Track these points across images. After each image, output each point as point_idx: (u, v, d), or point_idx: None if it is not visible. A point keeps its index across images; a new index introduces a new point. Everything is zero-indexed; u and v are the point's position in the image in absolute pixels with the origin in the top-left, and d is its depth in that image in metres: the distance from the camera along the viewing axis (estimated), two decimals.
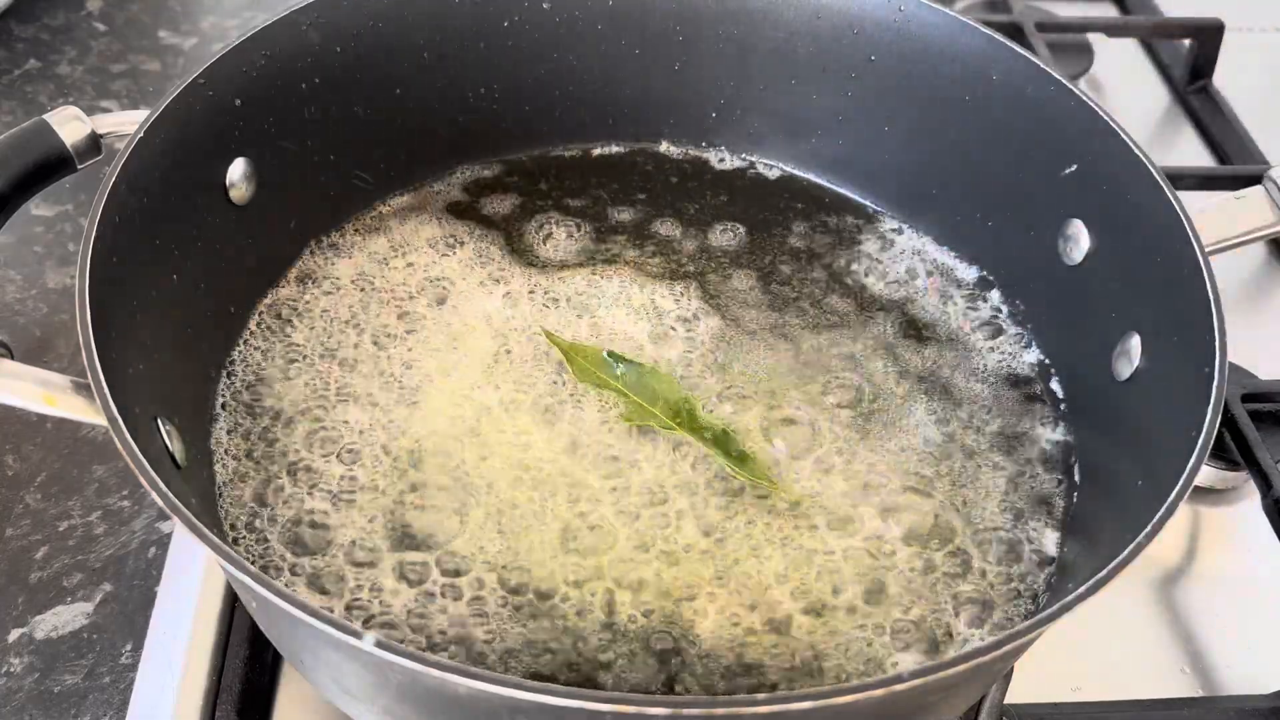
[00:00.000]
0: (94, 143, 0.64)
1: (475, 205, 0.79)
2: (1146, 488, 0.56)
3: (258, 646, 0.63)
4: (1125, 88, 1.09)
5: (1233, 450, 0.74)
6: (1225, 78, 1.07)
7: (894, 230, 0.79)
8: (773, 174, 0.83)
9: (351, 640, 0.44)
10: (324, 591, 0.59)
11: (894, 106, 0.78)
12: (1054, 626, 0.47)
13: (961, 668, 0.45)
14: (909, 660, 0.59)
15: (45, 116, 0.63)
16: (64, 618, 0.67)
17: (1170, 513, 0.50)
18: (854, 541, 0.63)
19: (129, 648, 0.66)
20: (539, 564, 0.61)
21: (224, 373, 0.67)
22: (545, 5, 0.78)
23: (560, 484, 0.64)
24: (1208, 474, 0.75)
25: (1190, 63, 1.07)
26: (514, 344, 0.71)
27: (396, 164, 0.78)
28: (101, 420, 0.50)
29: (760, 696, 0.43)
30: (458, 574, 0.60)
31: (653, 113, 0.83)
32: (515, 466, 0.65)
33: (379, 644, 0.43)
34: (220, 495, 0.62)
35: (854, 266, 0.77)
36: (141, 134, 0.61)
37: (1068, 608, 0.47)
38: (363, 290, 0.73)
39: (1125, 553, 0.49)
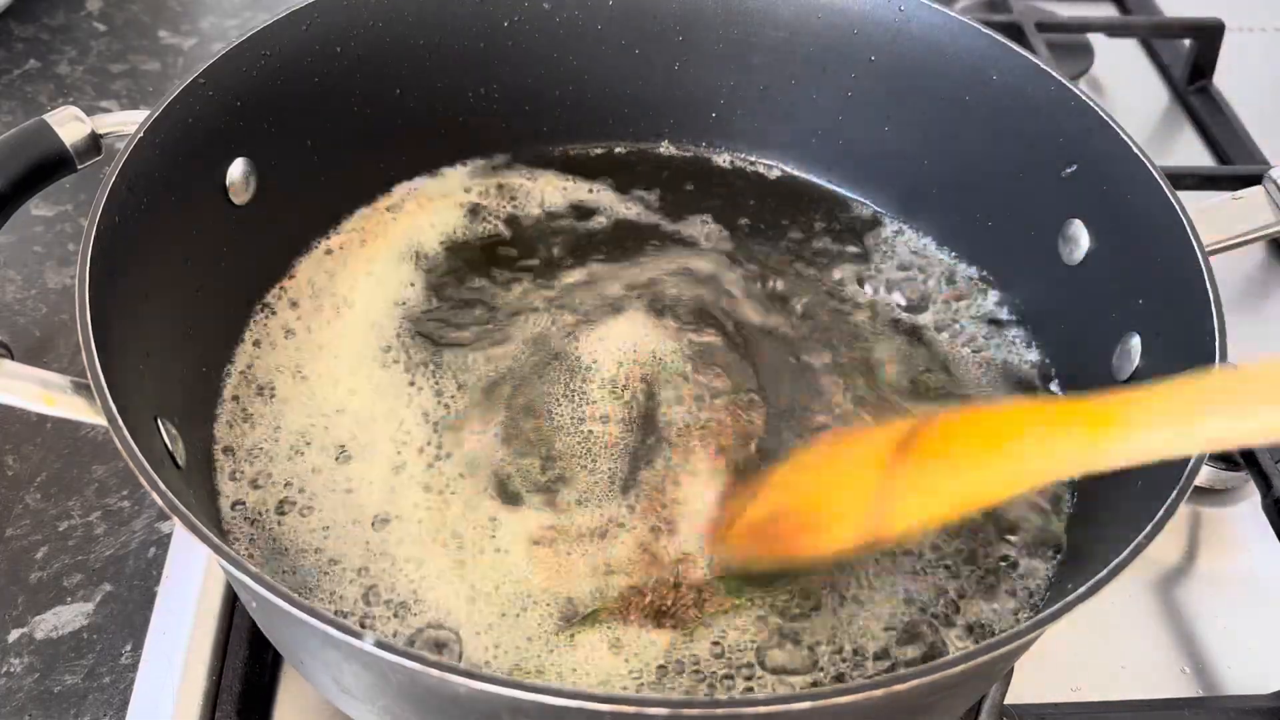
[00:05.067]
0: (94, 143, 0.64)
1: (475, 205, 0.79)
2: (1146, 488, 0.56)
3: (258, 646, 0.63)
4: (1125, 88, 1.09)
5: (1233, 450, 0.73)
6: (1225, 78, 1.07)
7: (894, 231, 0.79)
8: (773, 174, 0.83)
9: (351, 640, 0.44)
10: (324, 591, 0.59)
11: (894, 106, 0.78)
12: (1054, 626, 0.47)
13: (961, 668, 0.45)
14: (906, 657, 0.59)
15: (45, 116, 0.63)
16: (64, 618, 0.67)
17: (1170, 513, 0.50)
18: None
19: (129, 648, 0.66)
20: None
21: (224, 373, 0.67)
22: (545, 5, 0.78)
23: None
24: (1208, 474, 0.75)
25: (1190, 63, 1.07)
26: (515, 344, 0.71)
27: (396, 164, 0.78)
28: (101, 420, 0.50)
29: (760, 697, 0.43)
30: (464, 570, 0.60)
31: (653, 113, 0.83)
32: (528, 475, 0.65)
33: (379, 644, 0.43)
34: (220, 495, 0.62)
35: (854, 267, 0.77)
36: (141, 134, 0.60)
37: (1068, 608, 0.47)
38: (363, 290, 0.73)
39: (1125, 553, 0.49)
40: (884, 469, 0.52)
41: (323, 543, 0.61)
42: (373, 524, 0.62)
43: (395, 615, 0.58)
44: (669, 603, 0.58)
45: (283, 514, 0.62)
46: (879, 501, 0.51)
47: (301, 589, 0.59)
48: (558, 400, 0.68)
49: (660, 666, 0.57)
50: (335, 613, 0.58)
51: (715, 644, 0.58)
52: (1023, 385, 0.71)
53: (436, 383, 0.68)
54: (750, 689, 0.56)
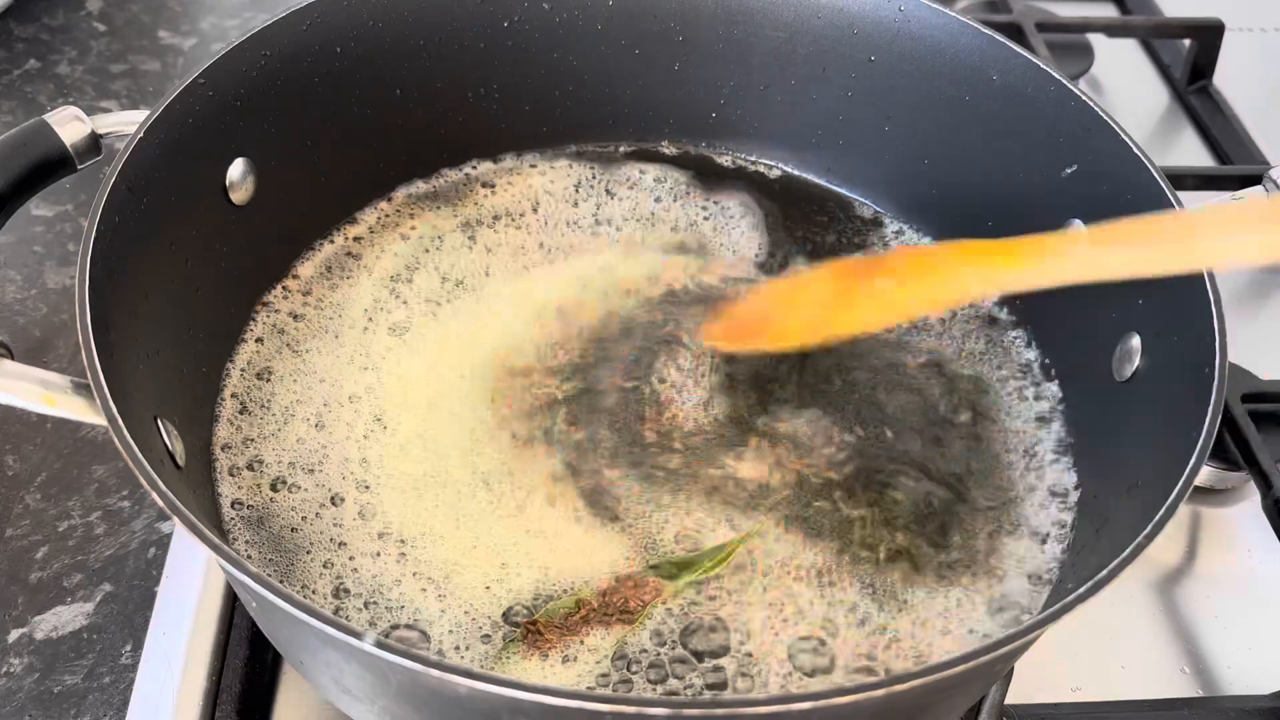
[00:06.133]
0: (94, 143, 0.64)
1: (476, 205, 0.79)
2: (1146, 488, 0.56)
3: (258, 646, 0.63)
4: (1125, 88, 1.09)
5: (1233, 450, 0.74)
6: (1225, 78, 1.07)
7: (895, 231, 0.79)
8: (773, 174, 0.83)
9: (351, 640, 0.44)
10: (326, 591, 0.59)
11: (894, 107, 0.78)
12: (1054, 627, 0.47)
13: (961, 668, 0.45)
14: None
15: (45, 116, 0.63)
16: (64, 618, 0.67)
17: (1170, 513, 0.50)
18: (839, 549, 0.63)
19: (129, 648, 0.66)
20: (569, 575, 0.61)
21: (224, 372, 0.67)
22: (545, 5, 0.78)
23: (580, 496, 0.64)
24: (1208, 474, 0.75)
25: (1190, 63, 1.07)
26: (514, 345, 0.71)
27: (396, 164, 0.78)
28: (101, 420, 0.50)
29: (760, 697, 0.43)
30: (460, 572, 0.60)
31: (653, 113, 0.83)
32: (523, 474, 0.65)
33: (379, 644, 0.43)
34: (220, 495, 0.62)
35: None
36: (141, 134, 0.61)
37: (1068, 608, 0.47)
38: (362, 290, 0.73)
39: (1125, 553, 0.49)
40: (843, 285, 0.63)
41: (326, 540, 0.61)
42: (377, 518, 0.62)
43: (365, 608, 0.58)
44: (614, 601, 0.59)
45: (284, 512, 0.62)
46: (836, 308, 0.62)
47: (288, 573, 0.59)
48: (553, 394, 0.68)
49: (616, 661, 0.57)
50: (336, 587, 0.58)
51: (656, 633, 0.58)
52: (1023, 385, 0.71)
53: (430, 377, 0.68)
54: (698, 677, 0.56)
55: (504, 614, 0.59)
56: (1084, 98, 0.69)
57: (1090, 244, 0.57)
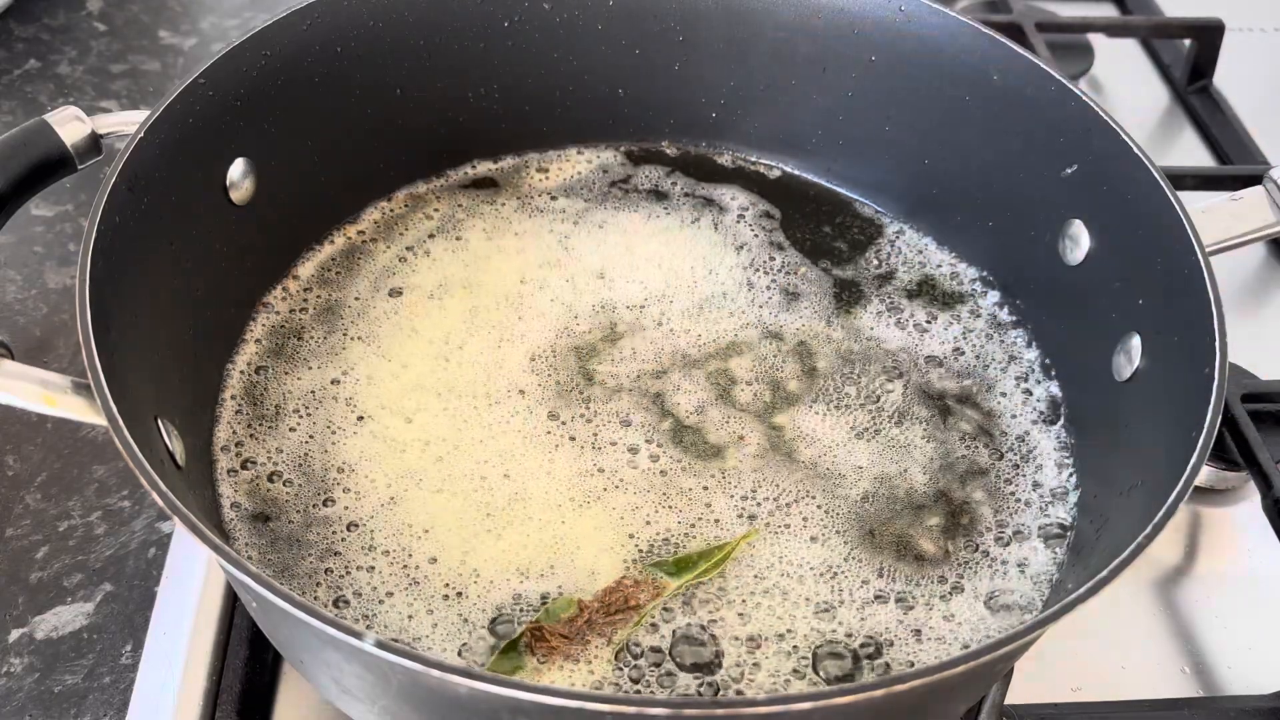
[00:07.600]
0: (94, 143, 0.64)
1: (477, 205, 0.79)
2: (1146, 488, 0.56)
3: (258, 646, 0.63)
4: (1125, 88, 1.09)
5: (1233, 450, 0.73)
6: (1225, 78, 1.07)
7: (895, 232, 0.79)
8: (773, 174, 0.83)
9: (352, 640, 0.44)
10: (325, 592, 0.59)
11: (894, 107, 0.78)
12: (1054, 627, 0.47)
13: (961, 668, 0.45)
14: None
15: (45, 116, 0.63)
16: (64, 618, 0.67)
17: (1170, 513, 0.50)
18: (841, 548, 0.63)
19: (129, 648, 0.66)
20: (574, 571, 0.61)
21: (224, 372, 0.67)
22: (545, 5, 0.78)
23: (580, 501, 0.64)
24: (1208, 474, 0.75)
25: (1190, 63, 1.07)
26: (514, 348, 0.71)
27: (396, 164, 0.78)
28: (101, 420, 0.50)
29: (760, 697, 0.43)
30: (461, 573, 0.60)
31: (653, 113, 0.83)
32: (522, 474, 0.65)
33: (379, 644, 0.43)
34: (220, 495, 0.62)
35: (854, 268, 0.77)
36: (141, 134, 0.61)
37: (1068, 608, 0.47)
38: (362, 290, 0.73)
39: (1125, 553, 0.49)
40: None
41: (326, 540, 0.61)
42: (376, 518, 0.62)
43: (366, 610, 0.58)
44: (615, 601, 0.59)
45: (284, 512, 0.62)
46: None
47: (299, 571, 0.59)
48: (552, 396, 0.68)
49: (616, 661, 0.57)
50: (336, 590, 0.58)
51: (656, 633, 0.59)
52: (1022, 385, 0.71)
53: (433, 376, 0.68)
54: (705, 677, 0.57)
55: (505, 615, 0.59)
56: (1084, 98, 0.69)
57: None
